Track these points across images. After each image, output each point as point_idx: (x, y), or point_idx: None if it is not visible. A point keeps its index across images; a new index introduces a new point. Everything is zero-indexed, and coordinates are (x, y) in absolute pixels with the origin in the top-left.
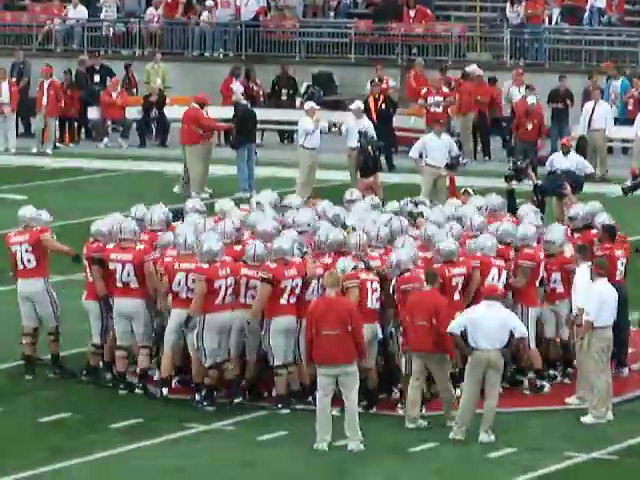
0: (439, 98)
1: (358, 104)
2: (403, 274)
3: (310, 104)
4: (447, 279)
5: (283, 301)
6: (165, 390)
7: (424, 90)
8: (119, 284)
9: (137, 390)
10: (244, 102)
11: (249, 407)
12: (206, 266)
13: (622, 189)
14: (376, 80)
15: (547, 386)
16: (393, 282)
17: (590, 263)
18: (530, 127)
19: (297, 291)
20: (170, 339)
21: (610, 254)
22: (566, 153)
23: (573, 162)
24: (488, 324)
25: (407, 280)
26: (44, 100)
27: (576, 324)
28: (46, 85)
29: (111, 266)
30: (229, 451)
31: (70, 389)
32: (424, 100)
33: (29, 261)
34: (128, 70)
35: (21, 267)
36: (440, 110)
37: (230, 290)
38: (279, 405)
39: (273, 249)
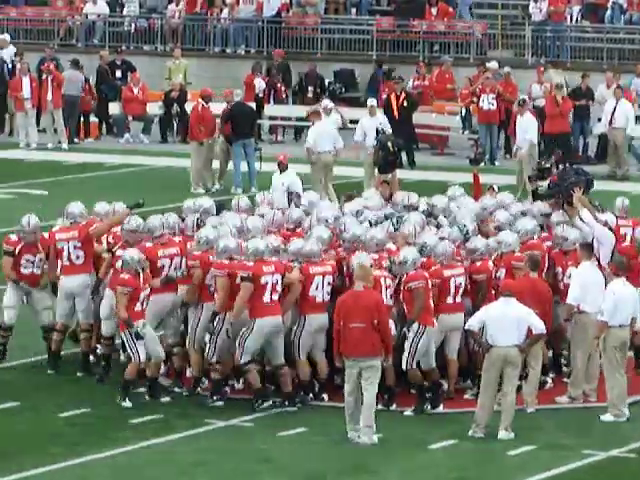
0: (492, 95)
1: (371, 102)
2: (409, 272)
3: (325, 102)
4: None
5: (266, 299)
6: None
7: (476, 88)
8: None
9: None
10: (239, 99)
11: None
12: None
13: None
14: (397, 77)
15: (550, 382)
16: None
17: (594, 260)
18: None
19: (278, 288)
20: (201, 336)
21: None
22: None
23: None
24: (506, 321)
25: (413, 278)
26: (49, 95)
27: (567, 319)
28: (49, 80)
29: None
30: (248, 447)
31: (91, 385)
32: (477, 98)
33: (77, 257)
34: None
35: (67, 263)
36: (494, 107)
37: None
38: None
39: (250, 250)
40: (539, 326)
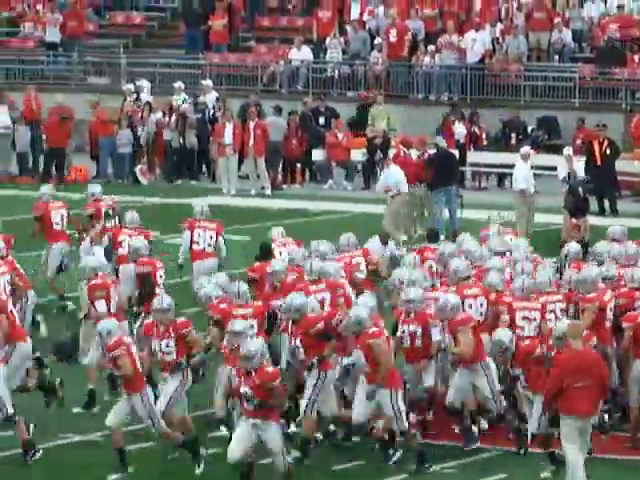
0: None
1: (567, 150)
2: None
3: (525, 148)
4: None
5: None
6: None
7: None
8: None
9: None
10: (443, 144)
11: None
12: None
13: None
14: (600, 124)
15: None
16: None
17: None
18: None
19: None
20: None
21: None
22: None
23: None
24: None
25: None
26: (251, 141)
27: None
28: (252, 126)
29: None
30: None
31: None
32: None
33: None
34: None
35: None
36: None
37: None
38: None
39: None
40: None
